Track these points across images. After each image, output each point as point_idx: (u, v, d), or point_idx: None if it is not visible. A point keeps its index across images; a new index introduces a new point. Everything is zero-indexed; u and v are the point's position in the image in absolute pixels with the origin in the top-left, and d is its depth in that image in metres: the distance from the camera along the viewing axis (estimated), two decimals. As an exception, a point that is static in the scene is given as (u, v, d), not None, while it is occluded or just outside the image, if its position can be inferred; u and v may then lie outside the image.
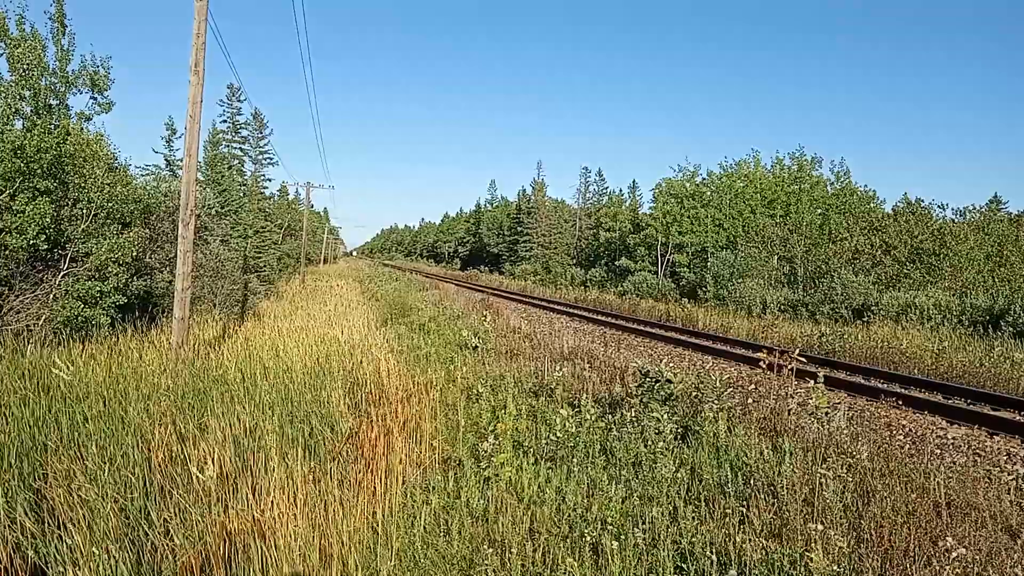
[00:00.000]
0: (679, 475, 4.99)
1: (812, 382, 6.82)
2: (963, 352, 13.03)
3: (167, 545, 3.87)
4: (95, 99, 10.86)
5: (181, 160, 10.57)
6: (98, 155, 11.22)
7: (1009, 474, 6.28)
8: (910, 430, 7.95)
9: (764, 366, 8.47)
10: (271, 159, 36.67)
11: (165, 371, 7.94)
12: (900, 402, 8.89)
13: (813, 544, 3.61)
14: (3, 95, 9.57)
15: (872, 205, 35.66)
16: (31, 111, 9.96)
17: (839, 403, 9.05)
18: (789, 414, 7.34)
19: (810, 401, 6.98)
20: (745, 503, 4.52)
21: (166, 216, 14.20)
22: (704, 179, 39.64)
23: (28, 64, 9.73)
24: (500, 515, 4.34)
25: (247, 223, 27.03)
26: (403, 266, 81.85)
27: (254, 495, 4.33)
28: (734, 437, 5.88)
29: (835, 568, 3.49)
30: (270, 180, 46.63)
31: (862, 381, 10.69)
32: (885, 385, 10.42)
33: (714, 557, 3.71)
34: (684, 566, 3.77)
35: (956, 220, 30.45)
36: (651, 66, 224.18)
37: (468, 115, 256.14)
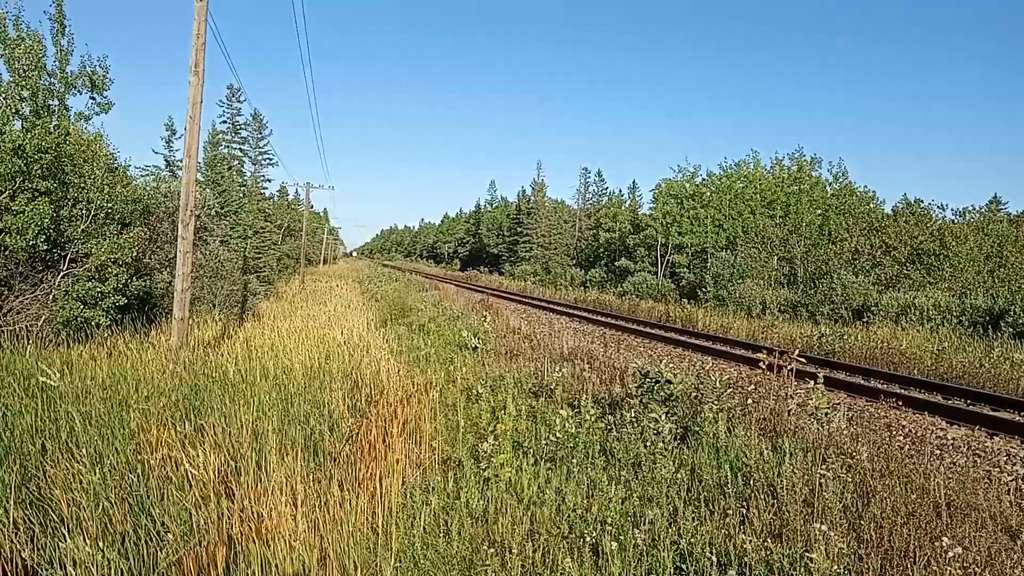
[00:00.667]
0: (679, 475, 4.99)
1: (812, 383, 6.82)
2: (963, 353, 13.03)
3: (167, 546, 3.86)
4: (94, 99, 10.85)
5: (181, 161, 10.56)
6: (97, 155, 11.22)
7: (1009, 475, 6.28)
8: (910, 431, 7.94)
9: (764, 367, 8.47)
10: (271, 160, 36.74)
11: (165, 372, 7.93)
12: (900, 403, 8.89)
13: (813, 544, 3.61)
14: (2, 95, 9.56)
15: (872, 206, 35.66)
16: (30, 111, 9.95)
17: (839, 404, 9.05)
18: (789, 415, 7.33)
19: (810, 402, 6.98)
20: (745, 504, 4.51)
21: (166, 216, 14.20)
22: (704, 180, 39.67)
23: (27, 64, 9.72)
24: (500, 515, 4.34)
25: (247, 224, 27.04)
26: (403, 267, 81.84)
27: (254, 496, 4.32)
28: (734, 438, 5.88)
29: (836, 569, 3.48)
30: (270, 180, 46.58)
31: (862, 382, 10.69)
32: (885, 386, 10.42)
33: (714, 558, 3.71)
34: (684, 566, 3.76)
35: (956, 220, 30.44)
36: (651, 66, 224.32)
37: (468, 115, 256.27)
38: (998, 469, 6.49)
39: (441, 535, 4.23)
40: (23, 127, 9.73)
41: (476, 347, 11.14)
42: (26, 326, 9.50)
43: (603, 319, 20.85)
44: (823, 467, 4.76)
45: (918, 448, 7.12)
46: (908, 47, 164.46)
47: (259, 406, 6.44)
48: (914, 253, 24.67)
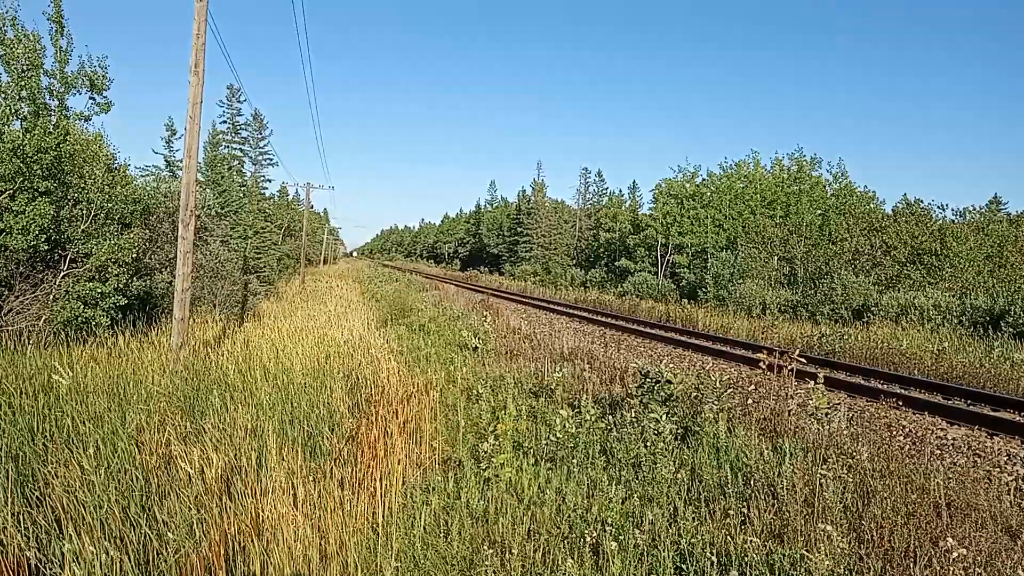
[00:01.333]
0: (679, 476, 4.99)
1: (812, 383, 6.82)
2: (963, 353, 13.03)
3: (167, 545, 3.86)
4: (94, 99, 10.84)
5: (181, 161, 10.57)
6: (97, 155, 11.23)
7: (1009, 475, 6.28)
8: (910, 431, 7.94)
9: (764, 367, 8.47)
10: (271, 160, 36.69)
11: (165, 372, 7.94)
12: (900, 403, 8.89)
13: (815, 545, 3.61)
14: (1, 96, 9.56)
15: (872, 206, 35.64)
16: (29, 112, 9.94)
17: (839, 404, 9.05)
18: (789, 415, 7.33)
19: (810, 402, 6.98)
20: (745, 504, 4.51)
21: (166, 217, 14.20)
22: (704, 180, 39.69)
23: (26, 65, 9.71)
24: (500, 516, 4.34)
25: (247, 224, 27.03)
26: (403, 267, 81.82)
27: (254, 495, 4.32)
28: (734, 438, 5.88)
29: (837, 569, 3.48)
30: (270, 181, 46.60)
31: (862, 382, 10.68)
32: (885, 386, 10.42)
33: (714, 558, 3.71)
34: (684, 567, 3.76)
35: (956, 220, 30.42)
36: (651, 66, 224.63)
37: (468, 115, 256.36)
38: (998, 469, 6.49)
39: (441, 535, 4.23)
40: (23, 127, 9.73)
41: (476, 347, 11.14)
42: (27, 326, 9.50)
43: (603, 319, 20.85)
44: (823, 467, 4.76)
45: (918, 448, 7.11)
46: (908, 47, 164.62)
47: (259, 406, 6.44)
48: (914, 253, 24.67)
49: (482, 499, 4.65)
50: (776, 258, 28.43)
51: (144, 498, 4.41)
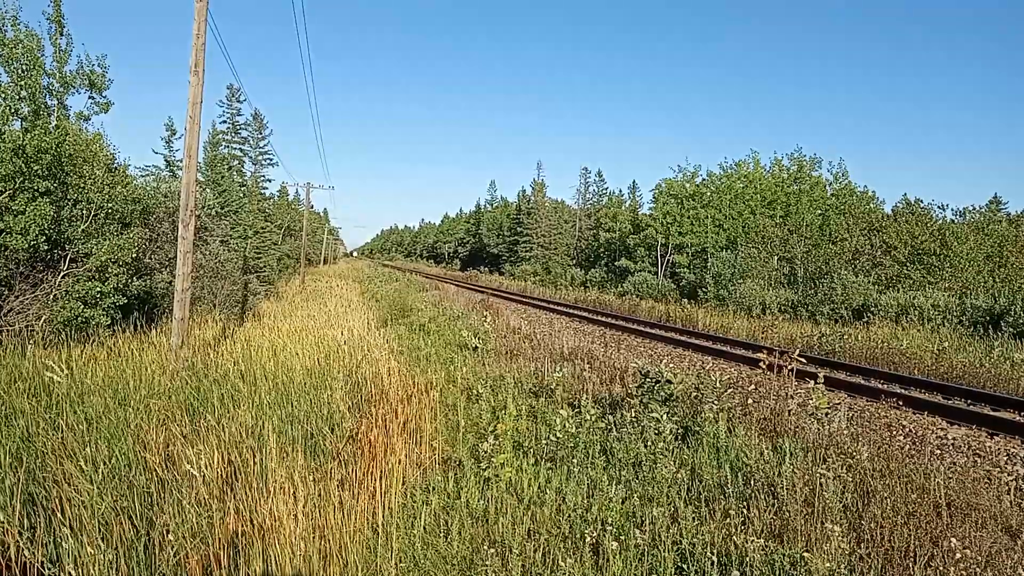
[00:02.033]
0: (679, 476, 4.99)
1: (812, 382, 6.82)
2: (963, 352, 13.03)
3: (168, 546, 3.86)
4: (93, 99, 10.84)
5: (181, 161, 10.56)
6: (97, 155, 11.21)
7: (1009, 474, 6.28)
8: (910, 430, 7.94)
9: (764, 366, 8.47)
10: (271, 160, 36.66)
11: (165, 372, 7.93)
12: (900, 402, 8.89)
13: (815, 544, 3.61)
14: (1, 96, 9.55)
15: (872, 206, 35.66)
16: (29, 112, 9.94)
17: (839, 403, 9.05)
18: (789, 415, 7.33)
19: (810, 402, 6.98)
20: (745, 504, 4.51)
21: (166, 217, 14.19)
22: (704, 180, 39.68)
23: (25, 65, 9.71)
24: (500, 515, 4.34)
25: (247, 224, 27.02)
26: (403, 267, 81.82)
27: (254, 495, 4.32)
28: (734, 438, 5.88)
29: (838, 569, 3.48)
30: (270, 180, 46.57)
31: (862, 381, 10.68)
32: (885, 385, 10.42)
33: (715, 558, 3.71)
34: (684, 567, 3.76)
35: (956, 220, 30.41)
36: (651, 66, 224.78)
37: (468, 115, 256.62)
38: (998, 469, 6.49)
39: (441, 535, 4.23)
40: (22, 127, 9.72)
41: (476, 347, 11.14)
42: (26, 326, 9.50)
43: (603, 319, 20.84)
44: (823, 467, 4.76)
45: (918, 448, 7.11)
46: (908, 47, 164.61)
47: (259, 406, 6.44)
48: (914, 253, 24.67)
49: (482, 499, 4.65)
50: (776, 258, 28.43)
51: (144, 498, 4.41)
